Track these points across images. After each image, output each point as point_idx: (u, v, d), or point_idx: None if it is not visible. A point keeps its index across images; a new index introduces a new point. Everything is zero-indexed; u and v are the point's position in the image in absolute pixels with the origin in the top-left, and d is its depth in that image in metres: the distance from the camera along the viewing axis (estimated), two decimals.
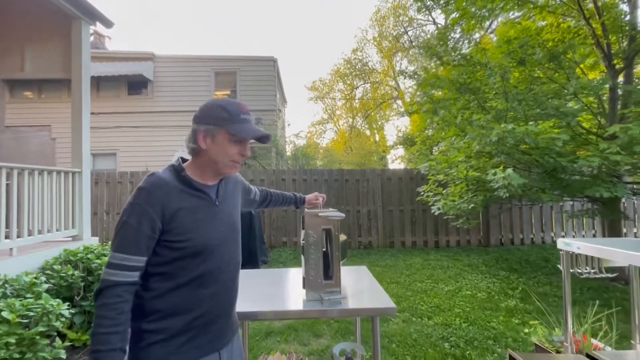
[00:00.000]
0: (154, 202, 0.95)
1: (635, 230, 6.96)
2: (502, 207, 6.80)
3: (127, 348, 0.93)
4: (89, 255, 3.14)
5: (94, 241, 3.99)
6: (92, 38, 12.22)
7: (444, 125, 5.26)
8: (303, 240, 1.45)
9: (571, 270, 1.25)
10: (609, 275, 1.10)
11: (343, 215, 1.50)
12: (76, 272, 2.89)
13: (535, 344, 2.07)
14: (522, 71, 4.41)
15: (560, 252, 1.25)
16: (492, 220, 6.93)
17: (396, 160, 16.50)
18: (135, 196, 0.96)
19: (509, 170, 3.35)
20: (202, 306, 1.00)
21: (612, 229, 4.61)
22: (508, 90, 4.18)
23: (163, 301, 0.97)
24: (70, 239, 3.83)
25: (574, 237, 7.07)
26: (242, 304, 1.34)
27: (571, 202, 6.81)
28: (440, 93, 5.69)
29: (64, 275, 2.83)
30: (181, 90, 10.88)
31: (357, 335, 2.21)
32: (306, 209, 1.53)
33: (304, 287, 1.48)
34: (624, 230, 6.28)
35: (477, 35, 6.55)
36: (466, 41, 5.95)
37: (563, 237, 6.99)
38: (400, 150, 15.58)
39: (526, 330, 2.87)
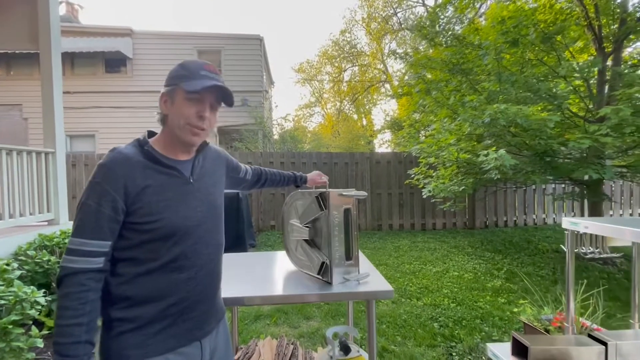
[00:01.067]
0: (115, 180, 0.85)
1: (611, 212, 7.22)
2: (488, 191, 6.90)
3: (97, 338, 0.85)
4: (67, 240, 2.98)
5: (72, 225, 3.80)
6: (63, 10, 11.44)
7: (435, 106, 5.20)
8: (320, 222, 1.35)
9: (575, 250, 1.22)
10: (614, 255, 1.08)
11: (366, 193, 1.44)
12: (52, 258, 2.74)
13: (525, 323, 2.09)
14: (514, 52, 4.36)
15: (566, 232, 1.21)
16: (478, 203, 7.05)
17: (383, 145, 16.49)
18: (94, 174, 0.86)
19: (502, 151, 3.34)
20: (178, 292, 0.91)
21: (594, 211, 4.73)
22: (501, 71, 4.13)
23: (132, 287, 0.88)
24: (46, 223, 3.63)
25: (554, 219, 7.27)
26: (230, 289, 1.26)
27: (553, 185, 6.97)
28: (430, 76, 5.60)
29: (39, 261, 2.68)
30: (162, 69, 10.33)
31: (349, 317, 2.18)
32: (320, 189, 1.44)
33: (319, 273, 1.38)
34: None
35: (468, 16, 6.43)
36: (458, 21, 5.83)
37: (544, 219, 7.25)
38: (388, 135, 15.55)
39: (514, 309, 2.93)
